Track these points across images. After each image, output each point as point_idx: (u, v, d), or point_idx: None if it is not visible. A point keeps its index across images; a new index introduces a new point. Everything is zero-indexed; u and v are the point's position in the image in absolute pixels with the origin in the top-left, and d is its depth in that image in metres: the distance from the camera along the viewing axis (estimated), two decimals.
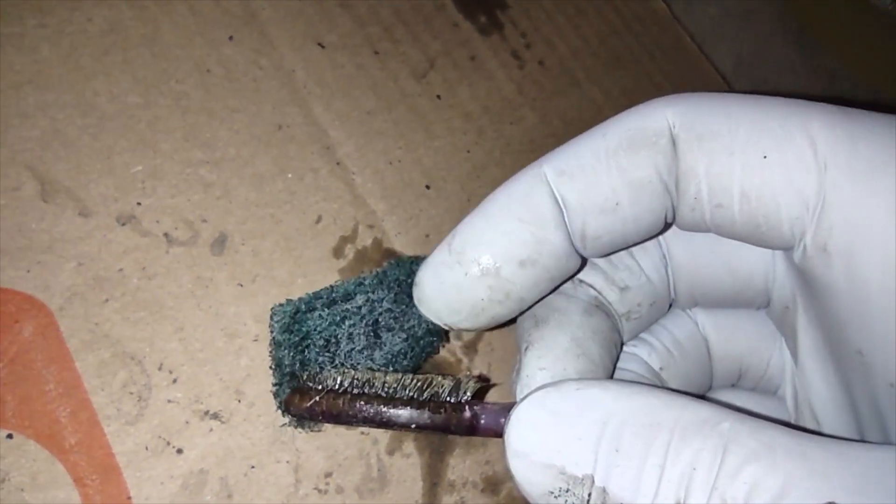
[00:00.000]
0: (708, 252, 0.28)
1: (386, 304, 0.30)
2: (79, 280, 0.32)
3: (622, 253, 0.28)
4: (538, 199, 0.24)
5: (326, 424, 0.31)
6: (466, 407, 0.25)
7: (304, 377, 0.27)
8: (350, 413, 0.26)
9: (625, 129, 0.23)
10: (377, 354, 0.29)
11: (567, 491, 0.20)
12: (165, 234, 0.34)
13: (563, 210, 0.24)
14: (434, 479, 0.33)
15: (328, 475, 0.32)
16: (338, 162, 0.38)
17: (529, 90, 0.45)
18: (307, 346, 0.29)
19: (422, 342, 0.30)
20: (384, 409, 0.25)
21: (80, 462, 0.29)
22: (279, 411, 0.30)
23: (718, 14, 0.58)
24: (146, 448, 0.30)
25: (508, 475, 0.22)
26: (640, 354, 0.29)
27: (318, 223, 0.36)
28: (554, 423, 0.21)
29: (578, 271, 0.27)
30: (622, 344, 0.29)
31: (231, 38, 0.39)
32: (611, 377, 0.27)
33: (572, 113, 0.45)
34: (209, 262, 0.34)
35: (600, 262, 0.28)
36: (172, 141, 0.36)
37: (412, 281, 0.29)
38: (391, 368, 0.29)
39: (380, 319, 0.30)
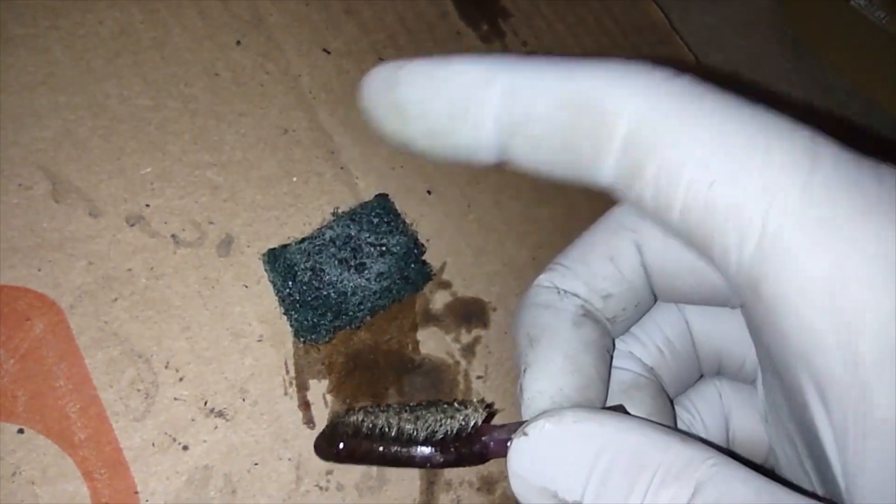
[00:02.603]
0: (677, 256, 0.28)
1: (364, 235, 0.36)
2: (89, 279, 0.32)
3: (601, 261, 0.29)
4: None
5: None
6: (475, 440, 0.28)
7: (329, 422, 0.30)
8: (372, 457, 0.28)
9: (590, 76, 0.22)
10: (363, 277, 0.35)
11: None
12: (173, 235, 0.34)
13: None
14: (431, 478, 0.34)
15: (329, 473, 0.33)
16: (342, 166, 0.39)
17: None
18: (296, 274, 0.34)
19: (402, 263, 0.36)
20: (402, 453, 0.28)
21: (89, 457, 0.30)
22: (300, 339, 0.35)
23: (715, 25, 0.59)
24: (153, 444, 0.31)
25: (509, 491, 0.25)
26: (633, 352, 0.30)
27: None
28: (550, 452, 0.23)
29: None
30: (614, 344, 0.30)
31: (239, 42, 0.40)
32: (607, 384, 0.28)
33: None
34: (215, 263, 0.35)
35: (581, 270, 0.29)
36: (181, 143, 0.36)
37: (381, 212, 0.37)
38: (377, 288, 0.36)
39: (359, 246, 0.36)
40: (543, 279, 0.29)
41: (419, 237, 0.38)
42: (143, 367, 0.32)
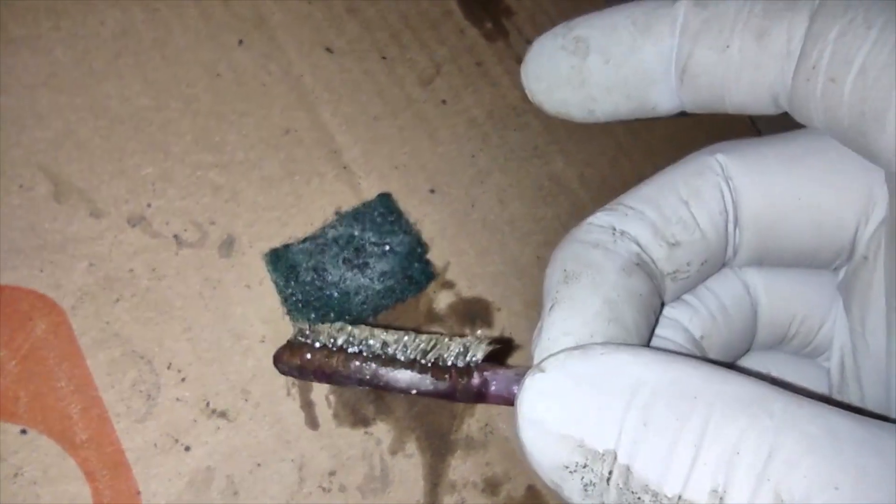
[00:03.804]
0: (793, 200, 0.24)
1: (367, 234, 0.36)
2: (90, 280, 0.32)
3: (676, 203, 0.25)
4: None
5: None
6: (475, 372, 0.23)
7: (296, 332, 0.25)
8: (344, 373, 0.24)
9: None
10: (366, 276, 0.35)
11: (584, 467, 0.18)
12: (175, 236, 0.34)
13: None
14: (435, 480, 0.34)
15: (332, 474, 0.32)
16: (344, 166, 0.39)
17: None
18: (298, 274, 0.35)
19: (405, 262, 0.36)
20: (382, 371, 0.23)
21: (91, 458, 0.30)
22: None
23: None
24: (155, 445, 0.31)
25: (518, 446, 0.20)
26: (680, 320, 0.26)
27: None
28: (574, 389, 0.19)
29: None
30: (662, 307, 0.26)
31: (241, 42, 0.40)
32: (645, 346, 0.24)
33: None
34: (217, 264, 0.35)
35: (650, 212, 0.25)
36: (182, 144, 0.36)
37: (384, 212, 0.37)
38: (380, 287, 0.35)
39: (362, 246, 0.36)
40: (599, 217, 0.25)
41: (422, 237, 0.38)
42: (144, 368, 0.32)
